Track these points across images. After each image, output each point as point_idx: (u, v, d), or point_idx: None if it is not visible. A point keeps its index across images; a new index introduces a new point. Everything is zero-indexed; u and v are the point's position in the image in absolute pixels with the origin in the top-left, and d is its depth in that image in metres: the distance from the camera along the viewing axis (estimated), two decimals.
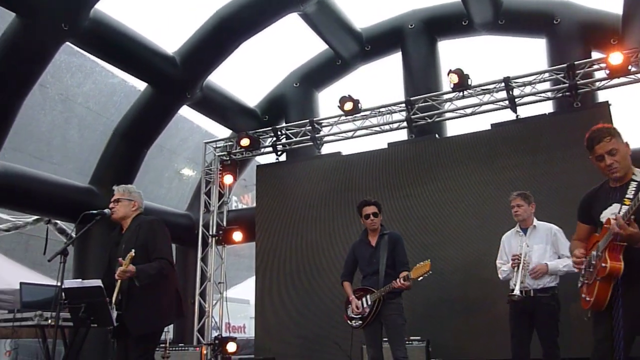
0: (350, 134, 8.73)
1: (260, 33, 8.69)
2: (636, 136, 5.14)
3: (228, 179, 9.50)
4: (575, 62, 7.32)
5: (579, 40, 8.35)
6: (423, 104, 8.17)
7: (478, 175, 7.49)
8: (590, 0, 8.65)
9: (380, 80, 14.91)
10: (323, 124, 8.91)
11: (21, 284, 6.22)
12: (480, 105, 7.88)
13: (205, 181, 9.56)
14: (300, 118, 9.34)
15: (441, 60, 9.45)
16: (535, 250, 5.02)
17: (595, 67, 7.38)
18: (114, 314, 4.09)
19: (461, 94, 7.80)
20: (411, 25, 9.44)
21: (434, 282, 6.49)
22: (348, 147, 8.94)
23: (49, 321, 5.38)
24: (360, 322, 5.22)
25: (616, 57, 6.88)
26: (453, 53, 10.28)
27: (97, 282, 4.08)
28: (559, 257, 4.99)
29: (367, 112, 8.46)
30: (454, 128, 8.66)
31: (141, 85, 9.31)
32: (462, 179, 7.57)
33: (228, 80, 10.26)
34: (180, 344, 7.94)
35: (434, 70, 9.30)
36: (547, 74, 7.63)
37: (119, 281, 4.05)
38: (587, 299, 3.10)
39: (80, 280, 4.24)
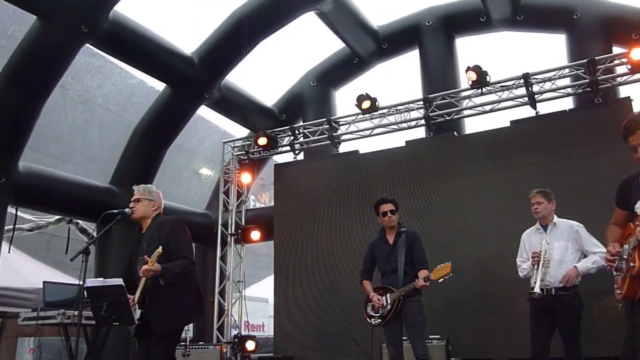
0: (367, 132, 8.71)
1: (277, 32, 8.72)
2: None
3: (246, 178, 9.55)
4: (596, 57, 7.21)
5: (600, 35, 8.22)
6: (441, 102, 8.12)
7: (497, 172, 7.44)
8: None
9: (398, 78, 14.86)
10: (340, 123, 8.90)
11: (44, 283, 6.32)
12: (499, 102, 7.81)
13: (223, 180, 9.62)
14: (318, 117, 9.34)
15: (459, 57, 9.38)
16: (556, 247, 4.97)
17: (617, 62, 7.26)
18: (138, 312, 4.13)
19: (480, 91, 7.73)
20: (428, 23, 9.38)
21: (453, 280, 6.39)
22: (366, 146, 8.91)
23: (72, 319, 5.47)
24: (379, 320, 5.22)
25: (638, 52, 6.77)
26: (471, 50, 10.21)
27: (119, 281, 4.12)
28: (585, 255, 4.93)
29: (385, 110, 8.43)
30: (473, 125, 8.61)
31: (160, 86, 9.38)
32: (481, 176, 7.52)
33: (246, 80, 10.29)
34: (200, 342, 8.00)
35: (451, 67, 9.23)
36: (567, 70, 7.53)
37: (143, 280, 4.09)
38: (619, 291, 3.11)
39: (102, 279, 4.30)
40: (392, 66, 10.59)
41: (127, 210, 4.43)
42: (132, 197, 4.54)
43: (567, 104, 7.98)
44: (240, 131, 11.24)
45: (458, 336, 6.80)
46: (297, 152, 9.22)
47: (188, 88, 8.67)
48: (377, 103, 8.17)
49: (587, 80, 7.23)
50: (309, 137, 9.01)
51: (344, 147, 9.10)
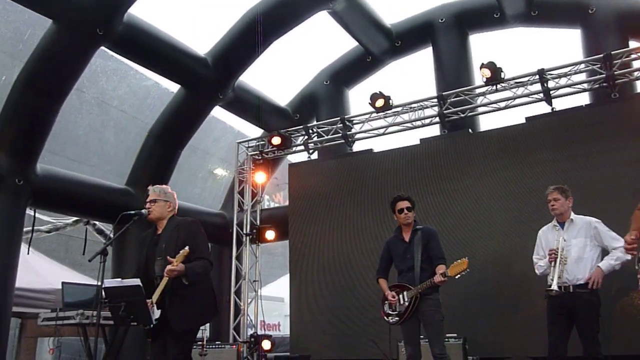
0: (381, 130, 8.68)
1: (290, 32, 8.73)
2: None
3: (261, 177, 9.58)
4: (612, 52, 7.13)
5: (616, 29, 8.13)
6: (455, 99, 8.08)
7: (513, 169, 7.38)
8: None
9: (411, 76, 14.81)
10: (354, 122, 8.89)
11: (63, 283, 6.39)
12: (514, 98, 7.76)
13: (238, 180, 9.65)
14: (331, 116, 9.34)
15: (473, 53, 9.32)
16: (574, 244, 4.91)
17: (633, 56, 7.17)
18: (157, 312, 4.17)
19: (494, 87, 7.69)
20: (442, 20, 9.34)
21: (470, 278, 6.36)
22: (380, 144, 8.91)
23: (90, 320, 5.52)
24: (397, 318, 5.20)
25: None
26: (485, 46, 10.13)
27: (136, 281, 4.16)
28: (606, 251, 4.87)
29: (399, 108, 8.41)
30: (487, 122, 8.56)
31: (174, 87, 9.43)
32: (496, 173, 7.48)
33: (259, 80, 10.32)
34: (216, 342, 8.03)
35: (465, 64, 9.17)
36: (583, 65, 7.45)
37: (165, 280, 4.13)
38: None
39: (119, 279, 4.33)
40: (406, 64, 10.57)
41: (143, 211, 4.45)
42: (147, 197, 4.57)
43: (583, 99, 7.90)
44: (254, 131, 11.29)
45: (475, 334, 6.76)
46: (311, 151, 9.22)
47: (202, 89, 8.71)
48: (390, 101, 8.15)
49: (604, 76, 7.15)
50: (323, 137, 9.01)
51: (357, 146, 9.10)
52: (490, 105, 7.98)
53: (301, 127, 9.22)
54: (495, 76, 7.41)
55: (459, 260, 4.96)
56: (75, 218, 9.27)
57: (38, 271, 8.11)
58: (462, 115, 8.08)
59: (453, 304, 6.74)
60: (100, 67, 14.83)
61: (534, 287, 5.80)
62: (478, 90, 8.03)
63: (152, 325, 4.19)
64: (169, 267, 4.10)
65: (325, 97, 10.27)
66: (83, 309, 5.66)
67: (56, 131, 7.74)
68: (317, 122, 9.63)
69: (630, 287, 5.51)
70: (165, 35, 8.05)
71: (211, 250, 8.86)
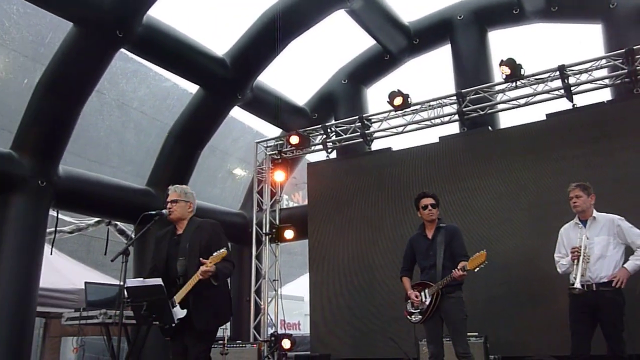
0: (400, 129, 8.65)
1: (308, 31, 8.73)
2: None
3: (279, 176, 9.60)
4: (634, 47, 7.00)
5: (638, 23, 7.98)
6: (474, 96, 8.02)
7: (534, 167, 7.31)
8: None
9: (430, 74, 14.72)
10: (373, 120, 8.87)
11: (86, 283, 6.48)
12: (534, 95, 7.67)
13: (257, 180, 9.69)
14: (350, 115, 9.33)
15: (492, 50, 9.24)
16: (597, 242, 4.87)
17: None
18: (182, 312, 4.21)
19: (514, 84, 7.62)
20: (460, 17, 9.27)
21: (490, 276, 6.39)
22: (398, 143, 8.86)
23: (113, 319, 5.59)
24: (419, 316, 5.18)
25: None
26: (504, 43, 10.04)
27: (158, 281, 4.19)
28: (630, 249, 4.82)
29: (417, 107, 8.37)
30: (507, 120, 8.47)
31: (193, 88, 9.49)
32: (517, 171, 7.41)
33: (277, 80, 10.34)
34: (237, 341, 8.08)
35: (484, 61, 9.09)
36: (604, 61, 7.34)
37: (195, 280, 4.17)
38: None
39: (141, 279, 4.37)
40: (424, 62, 10.51)
41: (164, 211, 4.50)
42: (167, 197, 4.61)
43: (605, 95, 7.79)
44: (272, 131, 11.32)
45: (496, 333, 6.72)
46: (329, 150, 9.21)
47: (221, 89, 8.75)
48: (409, 99, 8.11)
49: (626, 71, 7.04)
50: (341, 135, 9.00)
51: (376, 145, 9.07)
52: (510, 102, 7.90)
53: (319, 126, 9.22)
54: (515, 73, 7.34)
55: (478, 253, 4.93)
56: (97, 219, 9.37)
57: (61, 271, 8.22)
58: (482, 113, 8.01)
59: (474, 303, 6.68)
60: (120, 69, 14.98)
61: (556, 285, 5.74)
62: (497, 87, 7.97)
63: (173, 325, 4.22)
64: (203, 268, 4.14)
65: (343, 96, 10.26)
66: (106, 309, 5.73)
67: (77, 133, 7.84)
68: (335, 121, 9.62)
69: None
70: (183, 36, 8.10)
71: (231, 250, 8.92)
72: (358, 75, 10.31)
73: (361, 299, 8.11)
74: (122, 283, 4.17)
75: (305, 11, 8.45)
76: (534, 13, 8.76)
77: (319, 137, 9.26)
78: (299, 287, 13.06)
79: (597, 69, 7.34)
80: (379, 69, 10.32)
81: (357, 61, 10.37)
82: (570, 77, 7.39)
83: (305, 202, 9.94)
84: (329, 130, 9.13)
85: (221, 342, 7.18)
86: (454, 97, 8.12)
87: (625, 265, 4.75)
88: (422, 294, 5.17)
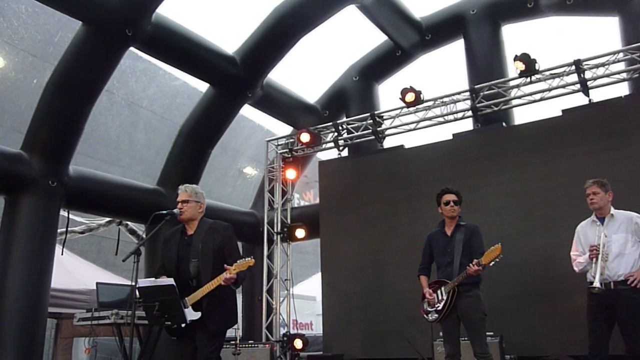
0: (412, 126, 8.56)
1: (318, 28, 8.65)
2: None
3: (290, 175, 9.54)
4: None
5: None
6: (488, 92, 7.92)
7: (549, 163, 7.20)
8: None
9: (443, 70, 14.59)
10: (384, 117, 8.79)
11: (97, 284, 6.44)
12: (549, 90, 7.57)
13: (268, 179, 9.64)
14: (361, 112, 9.23)
15: (506, 45, 9.10)
16: (615, 240, 4.78)
17: None
18: (195, 315, 4.18)
19: (529, 79, 7.50)
20: (473, 11, 9.13)
21: (505, 275, 6.30)
22: (411, 140, 8.79)
23: (125, 319, 5.55)
24: (436, 315, 5.10)
25: None
26: (518, 37, 9.90)
27: (170, 281, 4.17)
28: None
29: (430, 103, 8.28)
30: (522, 115, 8.36)
31: (203, 87, 9.44)
32: (532, 168, 7.30)
33: (287, 77, 10.28)
34: (249, 341, 8.04)
35: (498, 56, 8.95)
36: (621, 54, 7.22)
37: (217, 284, 4.16)
38: None
39: (153, 279, 4.33)
40: (437, 57, 10.40)
41: (175, 211, 4.45)
42: (177, 197, 4.56)
43: (622, 90, 7.65)
44: (283, 129, 11.26)
45: (512, 332, 6.62)
46: (341, 148, 9.14)
47: (231, 88, 8.70)
48: (421, 95, 8.02)
49: None
50: (353, 133, 8.93)
51: (388, 142, 8.99)
52: (525, 98, 7.79)
53: (330, 123, 9.15)
54: (529, 68, 7.23)
55: (492, 247, 4.85)
56: (107, 219, 9.36)
57: (72, 272, 8.21)
58: (496, 109, 7.91)
59: (489, 302, 6.57)
60: (130, 68, 14.98)
61: (572, 283, 5.64)
62: (512, 83, 7.86)
63: (183, 325, 4.19)
64: (228, 275, 4.13)
65: (354, 93, 10.16)
66: (117, 309, 5.69)
67: (87, 133, 7.81)
68: (346, 118, 9.55)
69: None
70: (193, 34, 8.05)
71: (242, 249, 8.88)
72: (369, 72, 10.21)
73: (374, 298, 8.04)
74: (133, 283, 4.16)
75: (316, 7, 8.36)
76: (549, 6, 8.61)
77: (330, 134, 9.19)
78: (311, 287, 13.05)
79: (613, 62, 7.23)
80: (390, 65, 10.22)
81: (368, 57, 10.27)
82: (586, 72, 7.28)
83: (317, 201, 9.86)
84: (340, 127, 9.05)
85: (233, 342, 7.14)
86: (467, 93, 8.02)
87: (635, 257, 4.68)
88: (438, 292, 5.09)
